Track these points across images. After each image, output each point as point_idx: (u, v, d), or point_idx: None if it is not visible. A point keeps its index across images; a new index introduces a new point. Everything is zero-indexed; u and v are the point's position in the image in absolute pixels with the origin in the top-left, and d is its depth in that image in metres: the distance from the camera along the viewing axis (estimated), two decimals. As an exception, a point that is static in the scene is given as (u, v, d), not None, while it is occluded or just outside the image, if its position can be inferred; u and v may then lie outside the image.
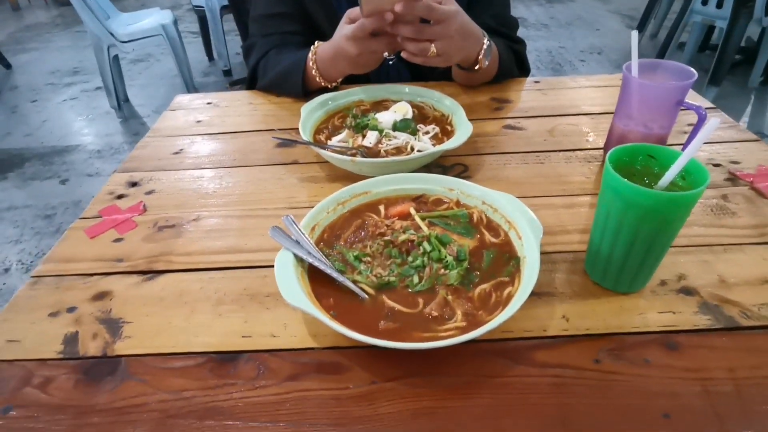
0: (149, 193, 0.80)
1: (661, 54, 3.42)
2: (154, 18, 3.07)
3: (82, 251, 0.69)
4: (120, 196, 0.79)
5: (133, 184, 0.82)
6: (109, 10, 2.99)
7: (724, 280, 0.59)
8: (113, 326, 0.57)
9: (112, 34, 2.86)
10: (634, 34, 0.64)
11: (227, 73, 3.60)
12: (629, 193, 0.47)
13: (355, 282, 0.56)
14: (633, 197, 0.47)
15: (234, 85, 3.47)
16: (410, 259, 0.58)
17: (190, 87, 3.12)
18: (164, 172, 0.85)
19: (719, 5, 2.92)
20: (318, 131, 0.88)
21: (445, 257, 0.57)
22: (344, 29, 0.86)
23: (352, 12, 0.85)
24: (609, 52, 3.86)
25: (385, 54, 0.88)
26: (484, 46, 0.91)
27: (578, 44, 4.04)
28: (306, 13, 1.06)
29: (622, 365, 0.50)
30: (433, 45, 0.81)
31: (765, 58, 3.03)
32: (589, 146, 0.85)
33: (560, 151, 0.84)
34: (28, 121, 3.30)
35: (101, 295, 0.62)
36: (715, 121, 0.44)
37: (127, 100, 3.33)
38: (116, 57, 3.07)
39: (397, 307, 0.53)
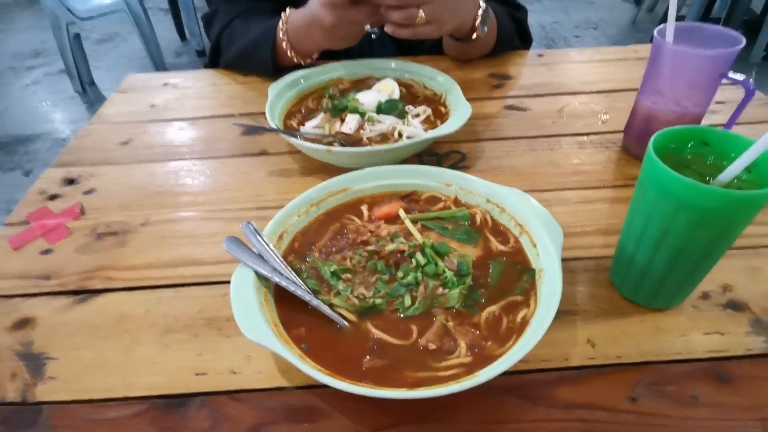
0: (88, 192, 0.67)
1: (659, 29, 3.31)
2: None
3: (3, 266, 0.57)
4: (53, 197, 0.67)
5: (70, 182, 0.69)
6: (67, -16, 2.77)
7: (777, 290, 0.49)
8: (35, 363, 0.47)
9: (70, 11, 2.64)
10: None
11: (201, 53, 3.40)
12: (683, 191, 0.37)
13: (332, 306, 0.45)
14: (688, 197, 0.37)
15: (210, 66, 3.28)
16: (400, 274, 0.47)
17: (161, 68, 2.93)
18: (109, 166, 0.72)
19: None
20: (289, 115, 0.76)
21: (443, 272, 0.46)
22: None
23: None
24: (605, 27, 3.72)
25: (367, 27, 0.76)
26: (480, 11, 0.79)
27: (573, 18, 3.89)
28: None
29: (665, 404, 0.42)
30: (421, 11, 0.69)
31: (766, 35, 2.92)
32: (604, 129, 0.74)
33: (572, 135, 0.74)
34: (-11, 108, 3.09)
35: (22, 323, 0.51)
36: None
37: (92, 83, 3.13)
38: (77, 36, 2.86)
39: (385, 337, 0.43)
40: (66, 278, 0.55)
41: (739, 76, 0.53)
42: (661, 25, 0.55)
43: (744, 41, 0.53)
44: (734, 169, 0.37)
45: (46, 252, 0.58)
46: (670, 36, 0.54)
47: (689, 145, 0.42)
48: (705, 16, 3.38)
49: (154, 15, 3.07)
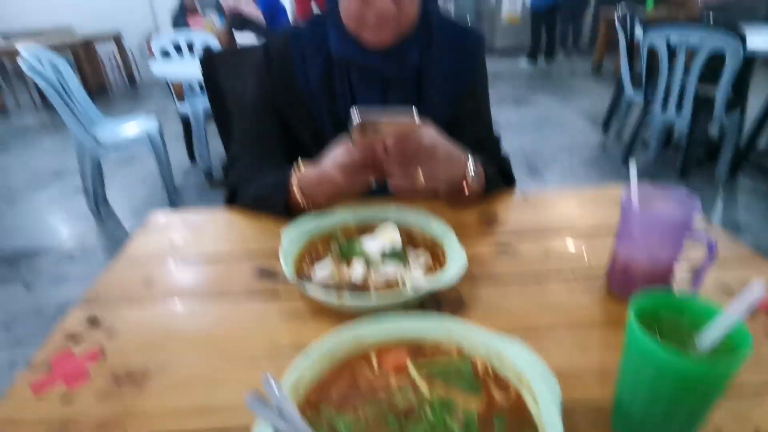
0: (110, 334, 0.71)
1: (626, 153, 3.62)
2: (139, 125, 3.12)
3: (24, 414, 0.59)
4: (75, 339, 0.70)
5: (93, 323, 0.73)
6: (95, 117, 3.04)
7: (763, 436, 0.52)
8: None
9: (97, 141, 2.87)
10: (633, 163, 0.62)
11: (208, 174, 3.63)
12: (662, 359, 0.42)
13: (346, 462, 0.47)
14: (667, 365, 0.41)
15: (215, 186, 3.48)
16: (410, 429, 0.50)
17: (171, 189, 3.11)
18: (130, 307, 0.77)
19: (679, 108, 3.12)
20: (301, 258, 0.82)
21: (452, 430, 0.49)
22: (333, 155, 0.84)
23: (347, 143, 0.85)
24: (579, 150, 4.09)
25: (373, 182, 0.87)
26: (470, 168, 0.90)
27: (549, 143, 4.29)
28: (289, 132, 1.05)
29: None
30: (420, 171, 0.80)
31: (727, 157, 3.19)
32: (589, 270, 0.80)
33: (559, 276, 0.79)
34: (1, 223, 3.20)
35: (38, 479, 0.51)
36: (761, 286, 0.40)
37: (106, 201, 3.29)
38: (98, 161, 3.07)
39: (399, 498, 0.44)
40: (83, 429, 0.56)
41: (704, 237, 0.61)
42: (627, 192, 0.64)
43: (698, 203, 0.61)
44: (711, 340, 0.42)
45: (66, 398, 0.60)
46: (635, 201, 0.63)
47: (665, 307, 0.48)
48: (667, 143, 3.70)
49: (168, 141, 3.32)
